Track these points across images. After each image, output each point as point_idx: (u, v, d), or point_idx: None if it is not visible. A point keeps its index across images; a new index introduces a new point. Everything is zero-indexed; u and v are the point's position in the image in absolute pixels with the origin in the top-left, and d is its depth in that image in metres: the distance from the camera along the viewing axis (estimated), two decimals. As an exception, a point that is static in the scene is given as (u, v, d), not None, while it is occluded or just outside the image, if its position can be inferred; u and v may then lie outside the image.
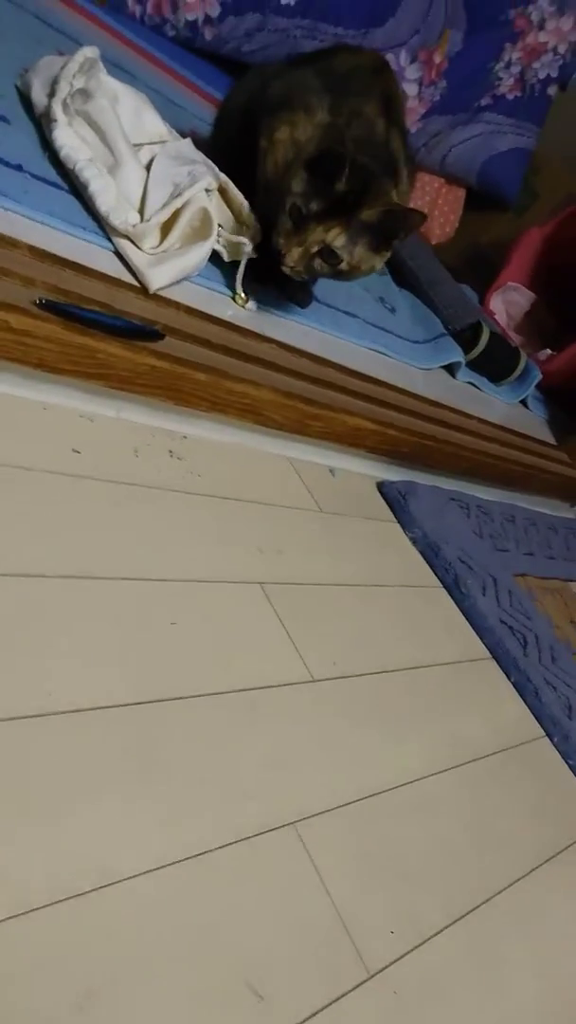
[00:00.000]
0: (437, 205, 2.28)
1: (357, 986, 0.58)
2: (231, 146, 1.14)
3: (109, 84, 1.00)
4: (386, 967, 0.61)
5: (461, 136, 2.16)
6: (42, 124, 0.94)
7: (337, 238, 0.96)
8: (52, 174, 0.92)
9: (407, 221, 0.99)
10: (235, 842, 0.59)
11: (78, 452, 0.76)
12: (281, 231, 0.98)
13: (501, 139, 2.20)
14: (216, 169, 1.03)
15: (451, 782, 0.83)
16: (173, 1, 1.55)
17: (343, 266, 0.99)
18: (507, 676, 1.08)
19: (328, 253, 0.97)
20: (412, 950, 0.63)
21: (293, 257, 0.97)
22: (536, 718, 1.05)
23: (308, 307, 1.22)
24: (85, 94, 0.95)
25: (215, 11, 1.59)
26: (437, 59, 2.01)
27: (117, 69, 1.28)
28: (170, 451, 0.87)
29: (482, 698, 1.01)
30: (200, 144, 1.10)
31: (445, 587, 1.14)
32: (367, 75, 1.09)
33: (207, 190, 0.96)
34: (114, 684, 0.61)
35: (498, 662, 1.09)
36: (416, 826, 0.75)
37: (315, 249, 0.97)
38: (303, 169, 0.96)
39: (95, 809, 0.53)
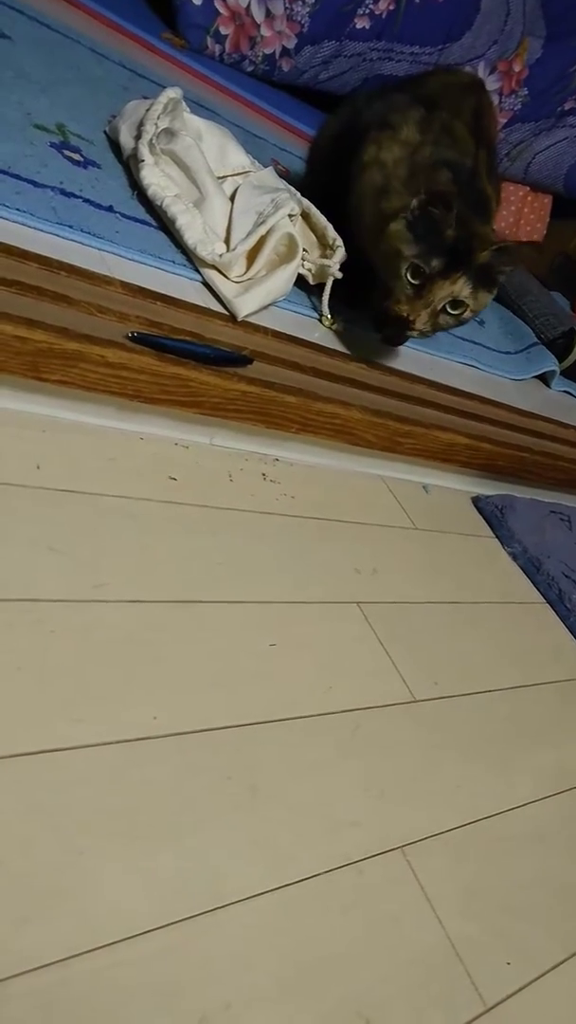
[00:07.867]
0: (523, 214, 2.24)
1: (475, 1019, 0.56)
2: (324, 171, 1.15)
3: (192, 122, 1.04)
4: (504, 1000, 0.58)
5: (545, 143, 2.12)
6: (130, 166, 0.98)
7: (463, 288, 0.95)
8: (141, 212, 0.95)
9: (517, 254, 0.97)
10: (342, 866, 0.58)
11: (174, 479, 0.77)
12: (402, 297, 0.96)
13: (587, 142, 2.15)
14: (298, 195, 1.04)
15: (561, 808, 0.79)
16: (251, 37, 1.59)
17: (466, 314, 0.98)
18: (619, 695, 1.03)
19: (454, 304, 0.96)
20: (531, 983, 0.61)
21: (423, 320, 0.96)
22: None
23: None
24: (170, 133, 0.99)
25: (292, 43, 1.62)
26: (516, 68, 1.98)
27: (199, 107, 1.32)
28: (263, 474, 0.88)
29: (593, 718, 0.96)
30: (292, 176, 1.10)
31: (548, 603, 1.10)
32: (458, 92, 1.09)
33: (290, 215, 0.98)
34: (216, 707, 0.61)
35: (609, 680, 1.04)
36: (526, 853, 0.72)
37: (441, 306, 0.96)
38: (406, 228, 0.94)
39: (199, 833, 0.54)
